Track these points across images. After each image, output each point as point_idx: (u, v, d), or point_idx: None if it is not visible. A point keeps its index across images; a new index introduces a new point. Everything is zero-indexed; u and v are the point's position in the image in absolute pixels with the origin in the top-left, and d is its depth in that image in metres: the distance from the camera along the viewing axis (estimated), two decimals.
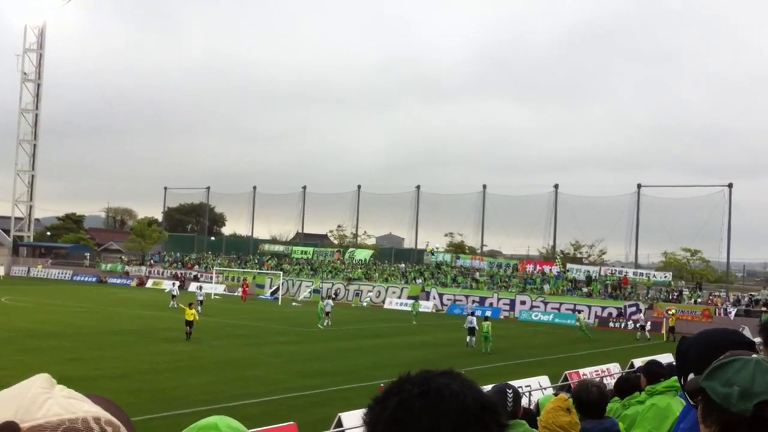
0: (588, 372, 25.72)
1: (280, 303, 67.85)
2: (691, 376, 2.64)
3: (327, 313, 47.41)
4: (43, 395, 1.31)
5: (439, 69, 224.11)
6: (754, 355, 2.12)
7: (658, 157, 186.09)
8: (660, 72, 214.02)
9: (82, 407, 1.32)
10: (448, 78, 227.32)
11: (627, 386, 7.85)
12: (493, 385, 5.37)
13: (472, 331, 38.76)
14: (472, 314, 42.32)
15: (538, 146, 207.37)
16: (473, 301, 66.99)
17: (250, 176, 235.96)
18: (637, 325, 55.24)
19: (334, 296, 65.89)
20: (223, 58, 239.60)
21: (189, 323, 36.42)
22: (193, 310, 37.27)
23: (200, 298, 51.77)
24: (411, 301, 62.66)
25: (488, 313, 45.96)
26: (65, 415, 1.29)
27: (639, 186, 75.26)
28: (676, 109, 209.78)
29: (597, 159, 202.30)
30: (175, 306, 49.70)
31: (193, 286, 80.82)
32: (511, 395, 4.77)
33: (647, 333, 51.79)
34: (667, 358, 22.24)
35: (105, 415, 1.35)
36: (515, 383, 12.27)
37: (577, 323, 50.15)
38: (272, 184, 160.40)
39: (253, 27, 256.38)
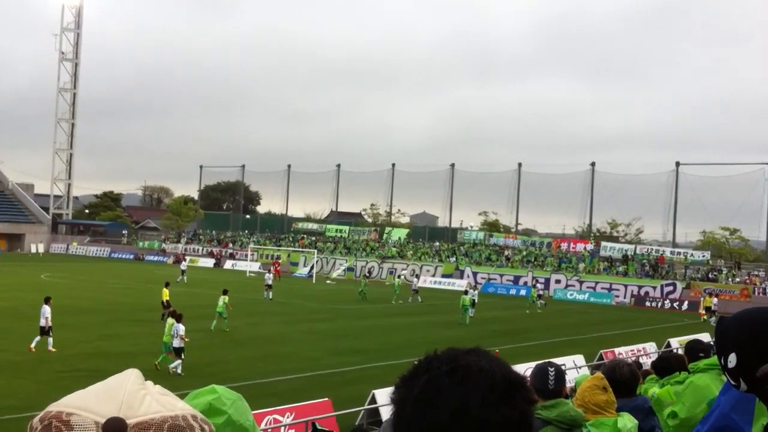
0: (624, 351, 25.58)
1: (314, 281, 68.25)
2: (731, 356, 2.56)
3: (415, 291, 52.25)
4: (140, 391, 1.34)
5: (496, 44, 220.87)
6: None
7: (701, 135, 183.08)
8: (716, 51, 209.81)
9: (178, 404, 1.37)
10: (504, 53, 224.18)
11: (668, 365, 7.76)
12: (536, 363, 5.32)
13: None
14: (466, 293, 43.96)
15: (583, 124, 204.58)
16: (507, 280, 67.19)
17: (288, 154, 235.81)
18: (537, 294, 53.78)
19: (367, 274, 65.92)
20: (277, 35, 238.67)
21: (166, 304, 33.50)
22: (168, 290, 34.65)
23: (269, 282, 48.05)
24: (530, 287, 59.48)
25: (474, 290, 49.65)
26: (166, 413, 1.32)
27: (677, 164, 74.14)
28: (726, 88, 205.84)
29: (641, 137, 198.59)
30: (270, 298, 46.56)
31: (228, 264, 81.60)
32: (552, 373, 4.69)
33: (542, 301, 52.58)
34: (706, 338, 22.01)
35: (199, 413, 1.38)
36: None
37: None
38: (311, 161, 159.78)
39: (311, 3, 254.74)
